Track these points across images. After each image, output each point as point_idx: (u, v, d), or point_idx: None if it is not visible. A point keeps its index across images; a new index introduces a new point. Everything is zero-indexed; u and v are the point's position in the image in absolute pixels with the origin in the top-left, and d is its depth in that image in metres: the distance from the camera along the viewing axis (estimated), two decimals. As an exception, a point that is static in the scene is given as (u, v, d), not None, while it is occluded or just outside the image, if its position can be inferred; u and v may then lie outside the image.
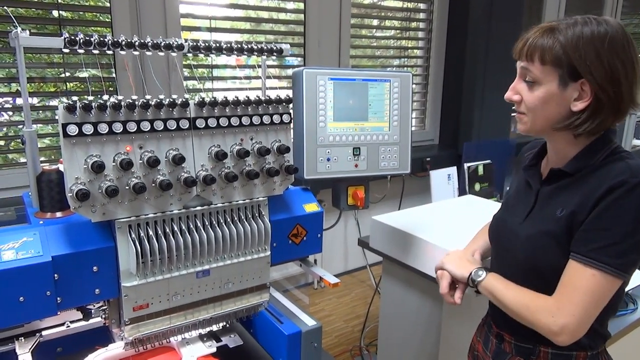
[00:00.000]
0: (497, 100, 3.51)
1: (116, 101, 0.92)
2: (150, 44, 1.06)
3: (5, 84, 2.19)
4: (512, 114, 3.72)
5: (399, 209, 2.45)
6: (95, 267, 0.98)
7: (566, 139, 1.06)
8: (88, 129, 0.91)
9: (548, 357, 1.11)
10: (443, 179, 2.82)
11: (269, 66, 2.55)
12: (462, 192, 2.85)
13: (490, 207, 2.01)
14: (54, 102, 2.27)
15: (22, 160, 2.22)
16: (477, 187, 2.92)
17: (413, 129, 1.62)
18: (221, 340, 1.23)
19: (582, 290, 0.97)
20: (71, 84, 2.26)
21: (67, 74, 2.22)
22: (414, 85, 1.37)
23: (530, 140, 1.26)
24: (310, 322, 1.25)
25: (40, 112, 2.27)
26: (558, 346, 1.04)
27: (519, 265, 1.11)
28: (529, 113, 1.05)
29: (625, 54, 0.98)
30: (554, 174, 1.09)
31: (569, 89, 0.99)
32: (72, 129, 0.89)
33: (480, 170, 2.93)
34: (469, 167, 2.88)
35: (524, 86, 1.05)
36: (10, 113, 2.22)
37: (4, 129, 2.19)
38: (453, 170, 2.86)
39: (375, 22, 3.49)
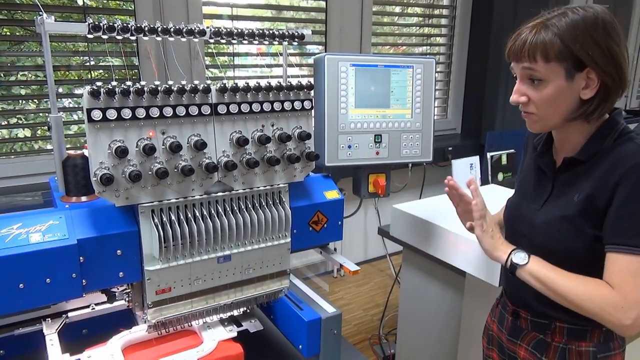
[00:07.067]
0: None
1: (139, 87, 0.93)
2: (172, 29, 1.06)
3: (32, 71, 2.23)
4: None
5: (419, 198, 2.43)
6: (119, 251, 1.00)
7: (578, 127, 1.06)
8: (112, 114, 0.92)
9: (564, 331, 1.11)
10: (465, 168, 2.77)
11: (291, 54, 2.54)
12: (484, 181, 2.81)
13: (514, 197, 1.97)
14: (78, 91, 2.30)
15: (49, 147, 2.27)
16: (500, 177, 2.87)
17: (435, 117, 1.60)
18: (242, 325, 1.25)
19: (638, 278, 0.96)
20: (95, 73, 2.29)
21: (92, 63, 2.25)
22: (436, 74, 1.35)
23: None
24: (330, 309, 1.25)
25: (65, 100, 2.31)
26: (573, 321, 1.08)
27: (535, 249, 1.10)
28: (540, 111, 1.04)
29: (617, 35, 0.99)
30: (568, 162, 1.09)
31: (576, 79, 0.99)
32: (97, 114, 0.91)
33: (504, 160, 2.87)
34: (492, 157, 2.82)
35: (528, 87, 1.03)
36: (37, 101, 2.27)
37: (32, 115, 2.24)
38: (475, 159, 2.81)
39: (397, 9, 3.44)
